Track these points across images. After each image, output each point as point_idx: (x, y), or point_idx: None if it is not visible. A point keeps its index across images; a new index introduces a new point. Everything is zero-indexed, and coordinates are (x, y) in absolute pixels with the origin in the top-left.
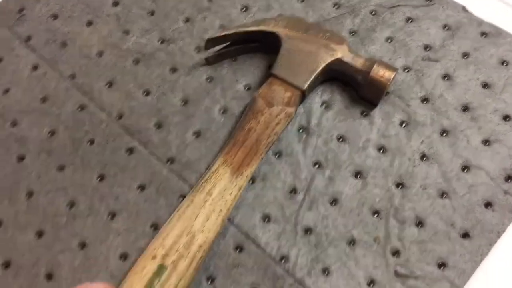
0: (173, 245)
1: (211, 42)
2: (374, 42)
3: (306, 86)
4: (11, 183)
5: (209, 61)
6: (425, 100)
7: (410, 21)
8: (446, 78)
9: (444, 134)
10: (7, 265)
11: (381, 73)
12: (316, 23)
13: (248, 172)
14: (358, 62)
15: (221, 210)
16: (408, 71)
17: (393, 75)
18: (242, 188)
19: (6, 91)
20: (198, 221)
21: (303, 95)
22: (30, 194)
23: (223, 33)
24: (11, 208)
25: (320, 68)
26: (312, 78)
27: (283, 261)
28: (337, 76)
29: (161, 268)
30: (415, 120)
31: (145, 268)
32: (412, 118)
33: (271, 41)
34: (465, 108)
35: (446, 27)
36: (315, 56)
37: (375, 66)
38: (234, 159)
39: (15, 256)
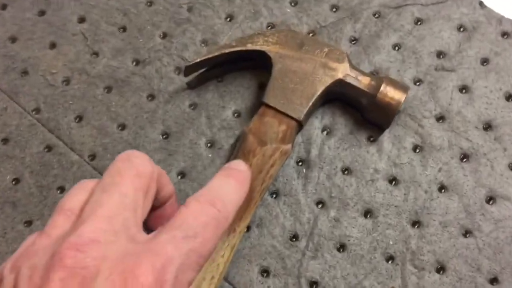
0: None
1: (191, 68)
2: (379, 51)
3: (303, 116)
4: None
5: (191, 85)
6: (440, 118)
7: (419, 22)
8: (464, 91)
9: (465, 160)
10: None
11: (390, 94)
12: (312, 36)
13: (242, 227)
14: (363, 82)
15: (213, 277)
16: (419, 84)
17: (404, 97)
18: (235, 246)
19: None
20: None
21: (300, 126)
22: None
23: (204, 58)
24: None
25: (319, 92)
26: (309, 105)
27: None
28: (339, 97)
29: None
30: (430, 143)
31: None
32: (426, 142)
33: (260, 60)
34: (487, 126)
35: (461, 28)
36: (312, 79)
37: (382, 87)
38: None
39: None
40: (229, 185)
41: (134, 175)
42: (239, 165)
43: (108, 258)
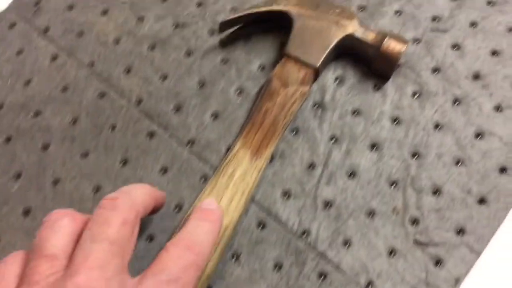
0: None
1: (224, 24)
2: (383, 16)
3: (319, 63)
4: (37, 171)
5: (223, 43)
6: (436, 70)
7: None
8: (455, 48)
9: (457, 103)
10: None
11: (392, 46)
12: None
13: (267, 153)
14: (369, 37)
15: (243, 192)
16: (418, 43)
17: (404, 48)
18: (262, 169)
19: (28, 82)
20: (222, 203)
21: (317, 73)
22: (56, 181)
23: (236, 15)
24: (38, 195)
25: (333, 44)
26: (325, 55)
27: (304, 235)
28: (349, 52)
29: None
30: (427, 90)
31: None
32: (424, 89)
33: (283, 20)
34: (476, 76)
35: None
36: (327, 33)
37: (386, 40)
38: (253, 142)
39: None
40: (203, 228)
41: (120, 223)
42: (210, 205)
43: None
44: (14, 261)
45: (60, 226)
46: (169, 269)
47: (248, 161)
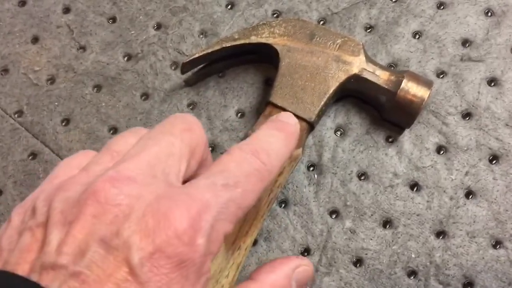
0: None
1: (188, 64)
2: (398, 40)
3: (314, 117)
4: None
5: (189, 82)
6: (467, 115)
7: (442, 7)
8: (493, 84)
9: (494, 162)
10: None
11: (412, 91)
12: (323, 25)
13: (248, 242)
14: (381, 78)
15: None
16: (443, 77)
17: (428, 93)
18: (241, 264)
19: None
20: None
21: (312, 127)
22: None
23: (202, 53)
24: None
25: (332, 90)
26: (321, 104)
27: None
28: (354, 94)
29: None
30: (456, 144)
31: None
32: (451, 142)
33: (266, 53)
34: None
35: (489, 13)
36: (324, 75)
37: (403, 83)
38: None
39: None
40: (276, 137)
41: (185, 128)
42: (288, 118)
43: (142, 198)
44: (85, 155)
45: (139, 130)
46: (228, 172)
47: (222, 256)
